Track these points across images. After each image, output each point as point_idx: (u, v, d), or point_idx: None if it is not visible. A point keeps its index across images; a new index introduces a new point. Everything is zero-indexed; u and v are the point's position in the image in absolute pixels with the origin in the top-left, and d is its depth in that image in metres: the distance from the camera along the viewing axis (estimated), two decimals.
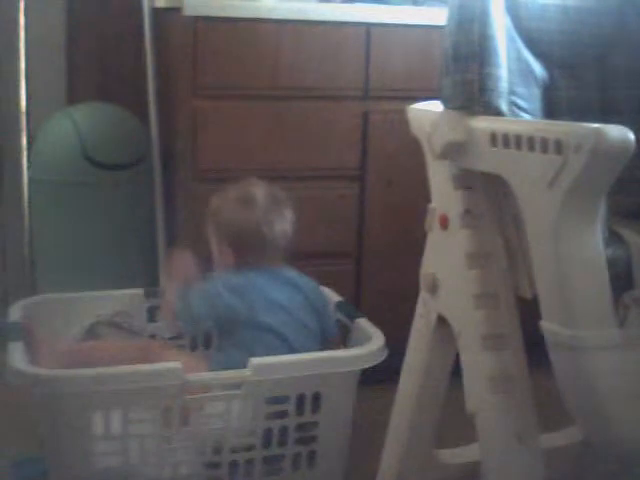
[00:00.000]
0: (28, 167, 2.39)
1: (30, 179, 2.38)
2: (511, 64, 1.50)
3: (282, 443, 1.67)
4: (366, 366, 1.66)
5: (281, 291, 1.75)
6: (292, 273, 1.81)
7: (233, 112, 2.11)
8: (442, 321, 1.56)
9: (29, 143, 2.41)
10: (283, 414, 1.65)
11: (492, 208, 1.48)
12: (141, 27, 2.35)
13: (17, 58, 2.39)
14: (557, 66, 1.59)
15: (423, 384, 1.64)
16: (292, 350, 1.69)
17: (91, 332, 1.91)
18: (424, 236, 1.60)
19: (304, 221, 2.16)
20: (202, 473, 1.64)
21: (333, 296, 1.93)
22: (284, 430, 1.66)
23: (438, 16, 1.93)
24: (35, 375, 1.53)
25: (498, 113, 1.44)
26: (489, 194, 1.48)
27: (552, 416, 1.52)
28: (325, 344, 1.78)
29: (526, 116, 1.49)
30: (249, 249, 1.79)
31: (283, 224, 1.81)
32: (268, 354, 1.65)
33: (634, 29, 1.65)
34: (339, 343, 1.82)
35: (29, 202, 2.40)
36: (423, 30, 2.18)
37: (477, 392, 1.46)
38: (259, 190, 1.82)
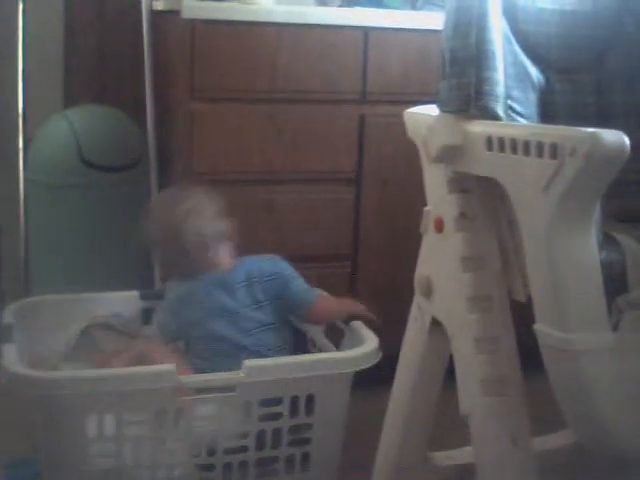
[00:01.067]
0: (24, 169, 2.39)
1: (26, 180, 2.38)
2: (507, 68, 1.50)
3: (276, 445, 1.67)
4: (360, 368, 1.66)
5: (223, 295, 1.77)
6: (238, 271, 1.82)
7: (230, 115, 2.11)
8: (436, 324, 1.56)
9: (26, 145, 2.41)
10: (277, 416, 1.65)
11: (487, 211, 1.48)
12: (139, 30, 2.35)
13: (15, 60, 2.40)
14: (553, 70, 1.59)
15: (417, 386, 1.64)
16: (248, 351, 1.71)
17: (86, 334, 1.91)
18: (420, 239, 1.61)
19: (300, 224, 2.18)
20: (196, 475, 1.64)
21: None
22: (278, 432, 1.67)
23: (436, 20, 1.93)
24: (29, 377, 1.53)
25: (494, 117, 1.44)
26: (484, 197, 1.48)
27: (546, 418, 1.52)
28: (305, 315, 1.80)
29: (522, 120, 1.49)
30: (177, 264, 1.85)
31: (202, 228, 1.82)
32: (223, 361, 1.68)
33: (631, 32, 1.65)
34: (324, 304, 1.83)
35: (25, 203, 2.40)
36: (420, 34, 2.18)
37: (471, 394, 1.46)
38: (172, 206, 1.84)
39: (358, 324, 1.80)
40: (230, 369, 1.62)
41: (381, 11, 2.27)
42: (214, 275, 1.79)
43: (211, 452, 1.63)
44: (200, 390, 1.59)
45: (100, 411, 1.55)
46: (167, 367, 1.57)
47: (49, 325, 1.86)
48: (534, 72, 1.56)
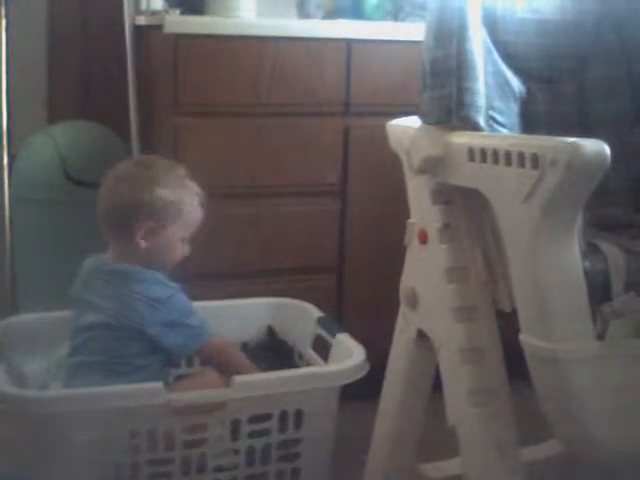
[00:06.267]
0: (9, 186, 2.38)
1: (11, 198, 2.37)
2: (488, 78, 1.50)
3: (265, 461, 1.66)
4: (347, 381, 1.65)
5: None
6: None
7: (214, 129, 2.11)
8: (422, 335, 1.56)
9: (10, 162, 2.40)
10: (266, 432, 1.65)
11: (470, 222, 1.48)
12: (122, 45, 2.34)
13: None
14: (534, 80, 1.60)
15: (404, 398, 1.64)
16: None
17: None
18: (405, 250, 1.61)
19: (286, 236, 2.18)
20: None
21: (315, 311, 1.93)
22: (267, 448, 1.66)
23: (418, 32, 1.92)
24: (16, 397, 1.53)
25: (476, 128, 1.44)
26: (467, 208, 1.48)
27: (533, 429, 1.52)
28: None
29: (504, 130, 1.50)
30: None
31: None
32: None
33: (611, 41, 1.66)
34: None
35: (10, 221, 2.39)
36: (404, 45, 2.18)
37: (458, 405, 1.46)
38: None
39: (345, 337, 1.79)
40: None
41: (363, 23, 2.28)
42: None
43: (201, 469, 1.62)
44: (189, 407, 1.58)
45: (89, 429, 1.53)
46: (154, 384, 1.56)
47: (37, 343, 1.85)
48: (515, 82, 1.57)
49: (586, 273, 1.28)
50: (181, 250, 1.73)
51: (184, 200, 1.71)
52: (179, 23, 2.07)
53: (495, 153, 1.32)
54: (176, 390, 1.59)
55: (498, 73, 1.55)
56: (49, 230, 2.30)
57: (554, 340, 1.27)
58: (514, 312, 1.36)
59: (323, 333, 1.85)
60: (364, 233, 2.23)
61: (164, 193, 1.68)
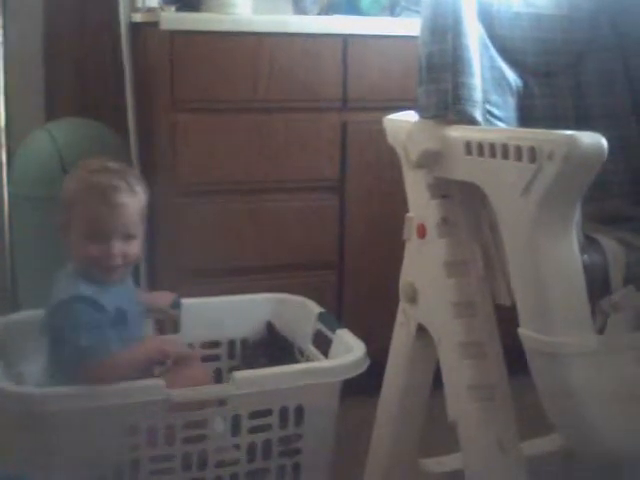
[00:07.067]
0: (8, 182, 2.38)
1: (10, 194, 2.38)
2: (485, 73, 1.50)
3: (266, 456, 1.67)
4: (348, 377, 1.66)
5: None
6: None
7: (212, 125, 2.11)
8: (422, 330, 1.56)
9: (9, 159, 2.40)
10: (267, 427, 1.65)
11: (469, 216, 1.48)
12: (119, 42, 2.34)
13: None
14: (531, 74, 1.60)
15: (405, 393, 1.64)
16: None
17: None
18: (404, 246, 1.61)
19: (285, 232, 2.18)
20: None
21: (314, 307, 1.93)
22: (268, 443, 1.66)
23: (414, 27, 1.92)
24: (16, 394, 1.53)
25: (473, 122, 1.44)
26: (466, 202, 1.48)
27: (534, 423, 1.52)
28: None
29: (501, 124, 1.50)
30: None
31: None
32: None
33: (607, 35, 1.66)
34: None
35: (9, 217, 2.39)
36: (400, 40, 2.19)
37: (458, 400, 1.46)
38: None
39: (345, 332, 1.79)
40: None
41: (360, 18, 2.28)
42: None
43: (202, 465, 1.62)
44: (190, 404, 1.58)
45: (89, 427, 1.53)
46: (155, 381, 1.56)
47: (36, 340, 1.84)
48: (512, 76, 1.57)
49: (585, 267, 1.28)
50: (101, 252, 1.63)
51: (81, 197, 1.63)
52: (175, 20, 2.07)
53: (492, 147, 1.32)
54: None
55: (495, 67, 1.55)
56: (48, 227, 2.29)
57: (553, 334, 1.27)
58: (513, 306, 1.36)
59: (323, 329, 1.85)
60: (363, 228, 2.23)
61: (67, 188, 1.67)
